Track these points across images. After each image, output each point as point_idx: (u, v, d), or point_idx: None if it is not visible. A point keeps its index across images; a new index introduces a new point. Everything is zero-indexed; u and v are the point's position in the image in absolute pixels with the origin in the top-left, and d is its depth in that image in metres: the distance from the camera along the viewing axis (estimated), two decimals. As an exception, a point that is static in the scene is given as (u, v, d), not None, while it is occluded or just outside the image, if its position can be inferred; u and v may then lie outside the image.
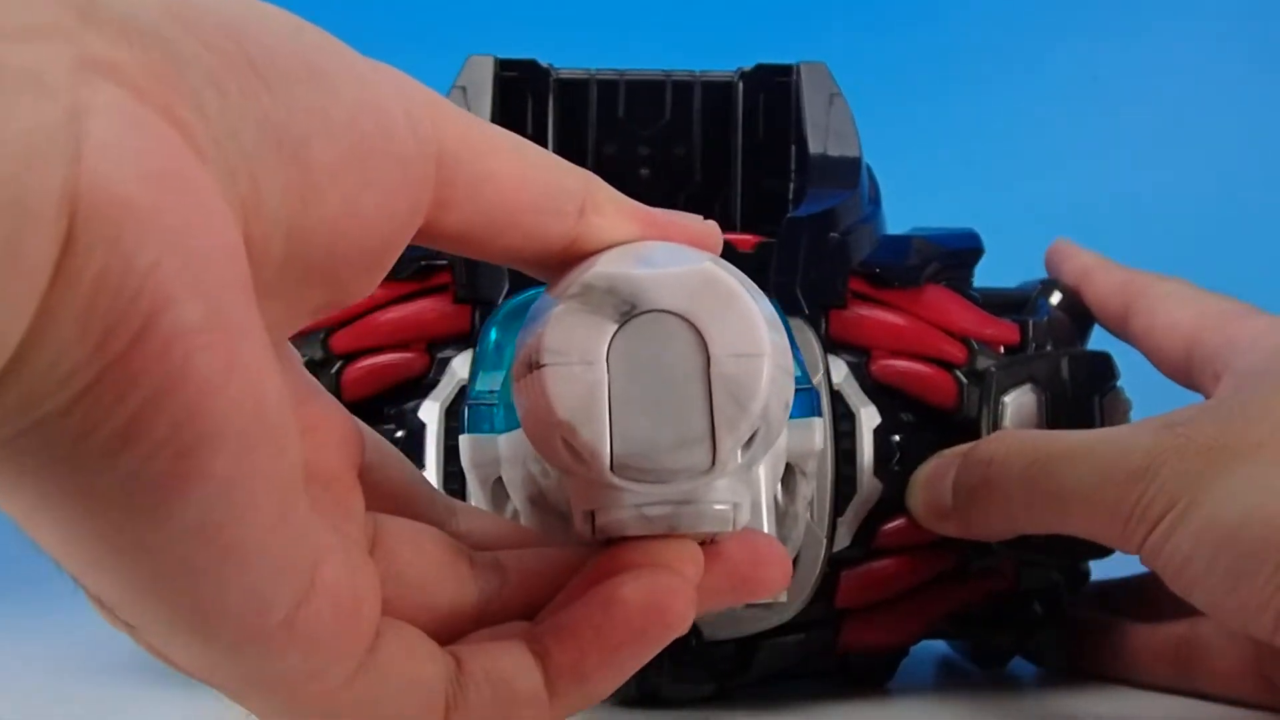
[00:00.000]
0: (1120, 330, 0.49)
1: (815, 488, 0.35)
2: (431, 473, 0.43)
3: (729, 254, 0.43)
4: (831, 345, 0.43)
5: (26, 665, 0.49)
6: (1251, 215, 0.99)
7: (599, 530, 0.27)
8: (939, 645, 0.50)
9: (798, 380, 0.31)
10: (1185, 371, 0.46)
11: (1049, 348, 0.46)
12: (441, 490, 0.43)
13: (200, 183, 0.21)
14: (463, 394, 0.43)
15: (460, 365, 0.42)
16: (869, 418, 0.43)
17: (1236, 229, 0.97)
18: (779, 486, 0.36)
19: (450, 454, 0.42)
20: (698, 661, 0.42)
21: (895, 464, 0.43)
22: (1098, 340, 0.50)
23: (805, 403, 0.34)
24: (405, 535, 0.28)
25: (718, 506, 0.27)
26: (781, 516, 0.37)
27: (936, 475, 0.42)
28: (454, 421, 0.43)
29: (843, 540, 0.43)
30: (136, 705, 0.44)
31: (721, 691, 0.43)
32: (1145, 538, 0.37)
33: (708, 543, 0.28)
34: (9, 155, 0.18)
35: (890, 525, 0.43)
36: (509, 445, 0.33)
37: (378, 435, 0.30)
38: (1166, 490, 0.37)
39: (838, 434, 0.43)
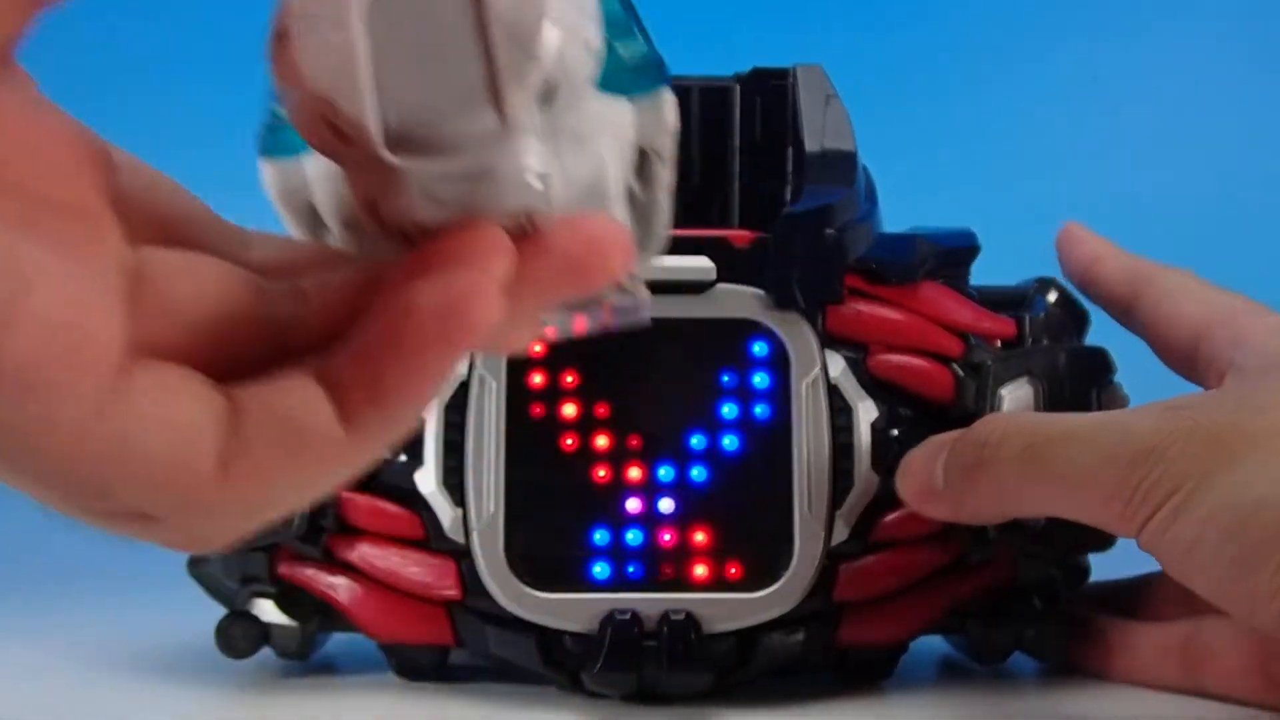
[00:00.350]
0: (1126, 318, 0.48)
1: (673, 171, 0.31)
2: (431, 469, 0.43)
3: (725, 250, 0.44)
4: (829, 341, 0.44)
5: (27, 665, 0.49)
6: (1251, 215, 0.99)
7: (386, 223, 0.24)
8: (939, 642, 0.50)
9: (642, 52, 0.28)
10: (1190, 364, 0.46)
11: (1046, 343, 0.46)
12: (440, 479, 0.43)
13: None
14: (462, 390, 0.43)
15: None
16: (866, 412, 0.44)
17: (1236, 229, 0.97)
18: (633, 176, 0.31)
19: (450, 450, 0.43)
20: (697, 656, 0.42)
21: (893, 458, 0.43)
22: (1095, 337, 0.49)
23: (649, 76, 0.30)
24: (177, 267, 0.25)
25: (521, 175, 0.24)
26: (641, 208, 0.32)
27: (928, 458, 0.42)
28: (453, 417, 0.43)
29: (840, 534, 0.43)
30: (137, 705, 0.44)
31: (721, 686, 0.43)
32: (1146, 521, 0.37)
33: (528, 232, 0.25)
34: None
35: (888, 519, 0.44)
36: (316, 164, 0.29)
37: (147, 165, 0.27)
38: (1171, 473, 0.36)
39: (835, 429, 0.43)
